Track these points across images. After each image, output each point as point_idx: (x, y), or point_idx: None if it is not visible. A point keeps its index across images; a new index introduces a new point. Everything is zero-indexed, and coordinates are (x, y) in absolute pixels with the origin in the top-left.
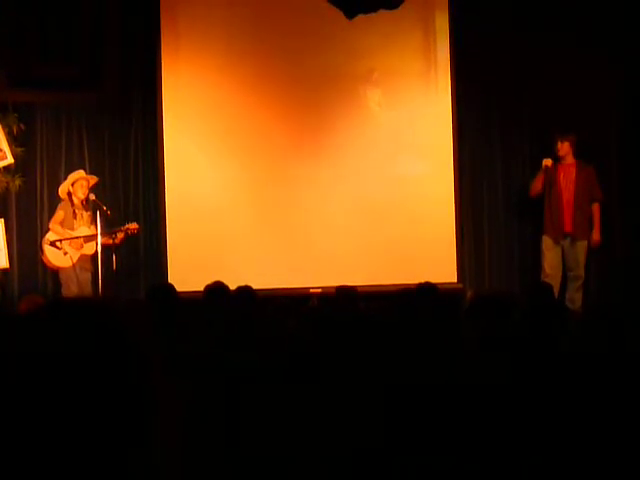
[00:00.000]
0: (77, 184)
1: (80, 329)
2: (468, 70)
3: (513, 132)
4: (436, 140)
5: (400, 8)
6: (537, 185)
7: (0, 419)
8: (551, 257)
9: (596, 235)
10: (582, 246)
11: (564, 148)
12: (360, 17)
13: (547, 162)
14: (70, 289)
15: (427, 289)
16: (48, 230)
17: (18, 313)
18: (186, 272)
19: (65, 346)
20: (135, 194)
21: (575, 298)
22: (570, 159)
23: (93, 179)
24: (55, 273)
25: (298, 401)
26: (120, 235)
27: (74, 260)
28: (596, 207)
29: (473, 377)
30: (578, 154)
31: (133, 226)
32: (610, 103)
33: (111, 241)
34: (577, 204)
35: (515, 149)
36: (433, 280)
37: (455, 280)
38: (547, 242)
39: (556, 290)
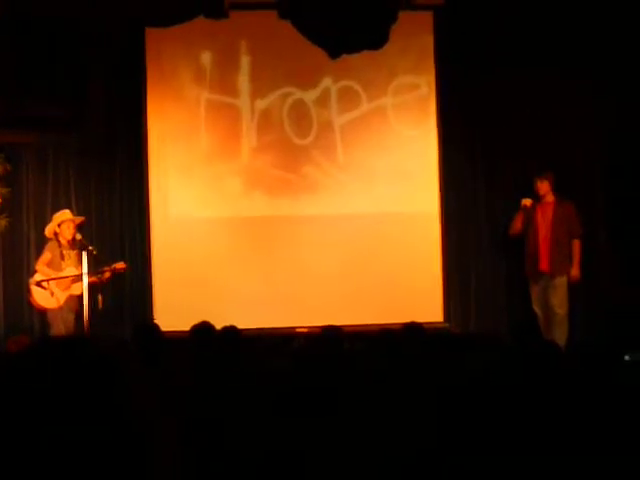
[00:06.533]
0: (64, 225)
1: (70, 367)
2: (453, 110)
3: (498, 170)
4: (422, 180)
5: (384, 47)
6: (516, 225)
7: None
8: (534, 297)
9: (575, 271)
10: (561, 283)
11: (544, 187)
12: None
13: (526, 202)
14: (59, 329)
15: (414, 329)
16: (35, 271)
17: (6, 353)
18: (172, 312)
19: (56, 384)
20: (121, 233)
21: (556, 336)
22: (550, 197)
23: (79, 219)
24: (42, 313)
25: (287, 436)
26: (107, 274)
27: (61, 301)
28: (576, 243)
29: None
30: (562, 190)
31: (120, 265)
32: (596, 137)
33: (97, 280)
34: (554, 241)
35: (500, 187)
36: (419, 319)
37: (441, 320)
38: (529, 282)
39: (544, 329)
